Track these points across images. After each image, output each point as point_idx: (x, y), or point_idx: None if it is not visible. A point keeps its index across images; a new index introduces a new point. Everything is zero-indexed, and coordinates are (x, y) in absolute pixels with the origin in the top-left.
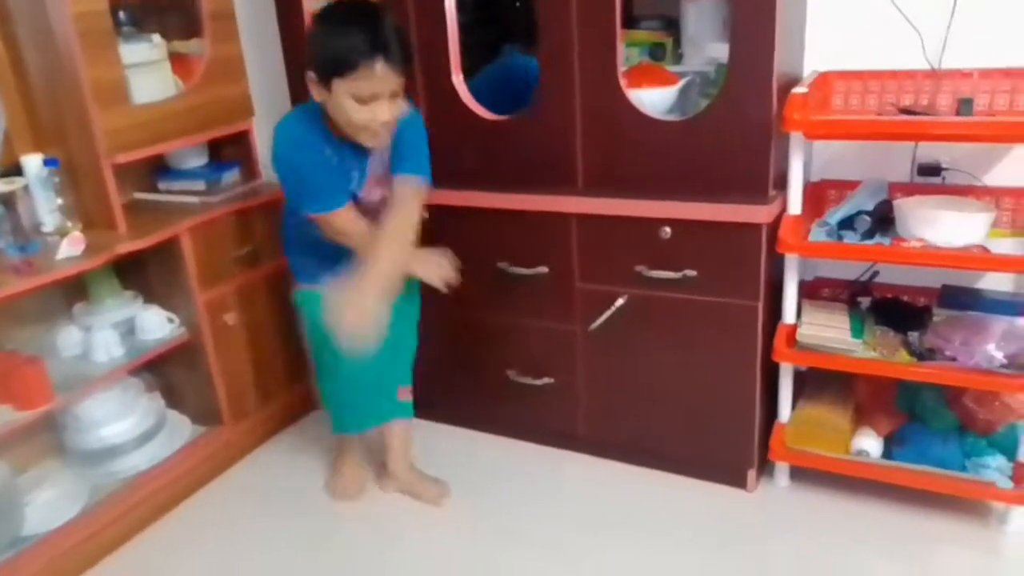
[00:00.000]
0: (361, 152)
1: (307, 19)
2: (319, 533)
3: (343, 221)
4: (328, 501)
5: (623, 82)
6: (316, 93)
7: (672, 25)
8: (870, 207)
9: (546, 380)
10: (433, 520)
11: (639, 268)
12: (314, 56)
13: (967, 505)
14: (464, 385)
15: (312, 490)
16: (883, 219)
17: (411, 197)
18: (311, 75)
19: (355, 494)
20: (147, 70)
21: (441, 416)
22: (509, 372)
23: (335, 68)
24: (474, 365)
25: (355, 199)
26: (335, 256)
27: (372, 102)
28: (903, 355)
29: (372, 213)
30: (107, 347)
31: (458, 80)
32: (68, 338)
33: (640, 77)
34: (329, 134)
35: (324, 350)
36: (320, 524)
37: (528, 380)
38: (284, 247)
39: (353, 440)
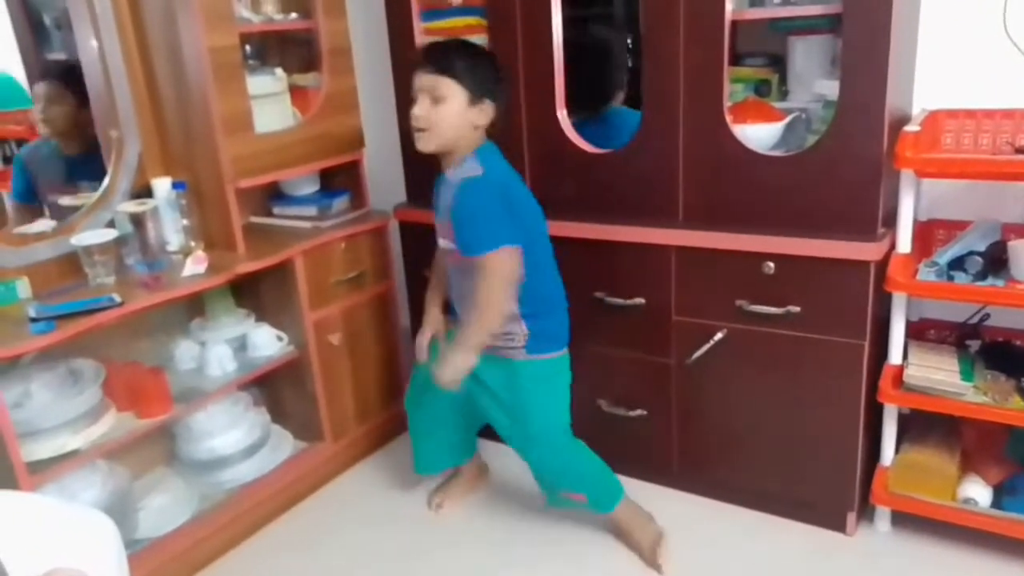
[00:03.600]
0: (442, 187)
1: None
2: (413, 547)
3: None
4: (423, 516)
5: (728, 117)
6: None
7: (777, 62)
8: (982, 248)
9: (639, 412)
10: (515, 542)
11: (740, 302)
12: None
13: None
14: None
15: (407, 506)
16: (996, 260)
17: (485, 270)
18: None
19: (436, 506)
20: (269, 101)
21: None
22: (600, 402)
23: None
24: None
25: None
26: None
27: (416, 101)
28: (1017, 401)
29: (450, 258)
30: (221, 362)
31: (562, 114)
32: (185, 352)
33: (746, 113)
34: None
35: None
36: (414, 538)
37: (620, 411)
38: None
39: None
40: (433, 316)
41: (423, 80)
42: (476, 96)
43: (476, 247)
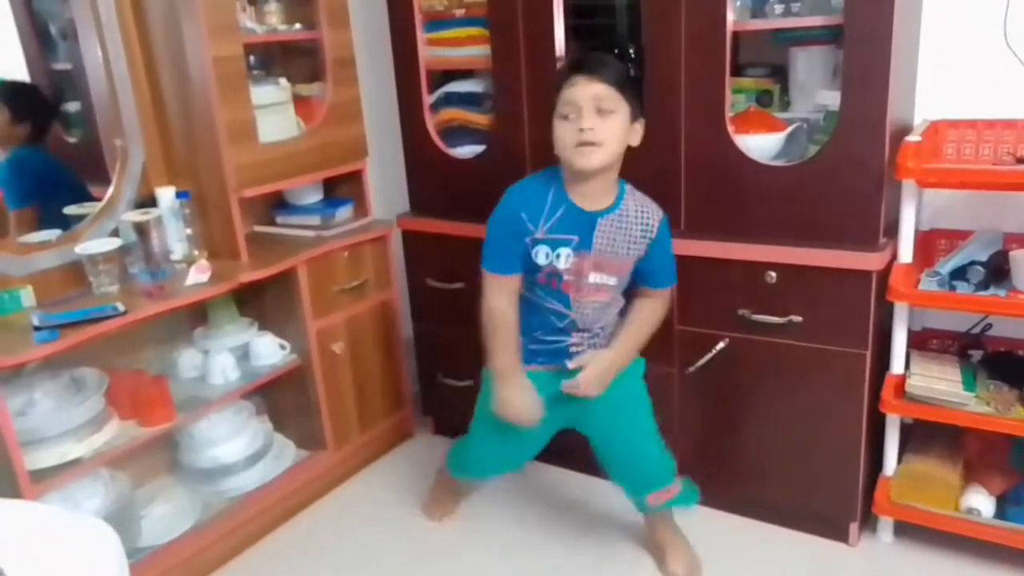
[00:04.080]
0: (589, 219)
1: (423, 63)
2: (415, 556)
3: (494, 287)
4: (424, 524)
5: (730, 127)
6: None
7: (779, 72)
8: (984, 258)
9: None
10: (519, 549)
11: (742, 312)
12: None
13: None
14: None
15: (409, 514)
16: (997, 270)
17: (666, 300)
18: None
19: (440, 517)
20: (274, 111)
21: None
22: None
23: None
24: None
25: (553, 270)
26: (543, 346)
27: (575, 116)
28: (1019, 411)
29: (581, 291)
30: (224, 370)
31: None
32: (188, 360)
33: (747, 123)
34: (563, 192)
35: (486, 421)
36: (416, 547)
37: None
38: None
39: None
40: (520, 368)
41: (587, 89)
42: (635, 114)
43: (670, 281)
